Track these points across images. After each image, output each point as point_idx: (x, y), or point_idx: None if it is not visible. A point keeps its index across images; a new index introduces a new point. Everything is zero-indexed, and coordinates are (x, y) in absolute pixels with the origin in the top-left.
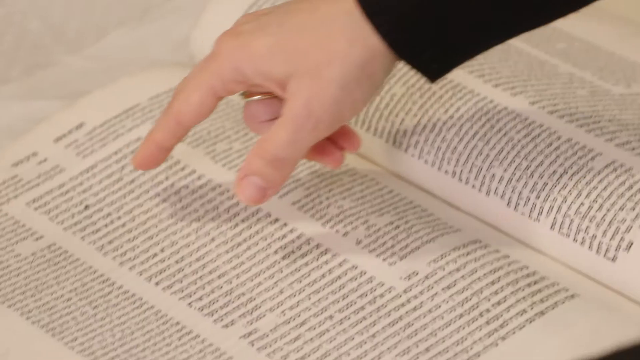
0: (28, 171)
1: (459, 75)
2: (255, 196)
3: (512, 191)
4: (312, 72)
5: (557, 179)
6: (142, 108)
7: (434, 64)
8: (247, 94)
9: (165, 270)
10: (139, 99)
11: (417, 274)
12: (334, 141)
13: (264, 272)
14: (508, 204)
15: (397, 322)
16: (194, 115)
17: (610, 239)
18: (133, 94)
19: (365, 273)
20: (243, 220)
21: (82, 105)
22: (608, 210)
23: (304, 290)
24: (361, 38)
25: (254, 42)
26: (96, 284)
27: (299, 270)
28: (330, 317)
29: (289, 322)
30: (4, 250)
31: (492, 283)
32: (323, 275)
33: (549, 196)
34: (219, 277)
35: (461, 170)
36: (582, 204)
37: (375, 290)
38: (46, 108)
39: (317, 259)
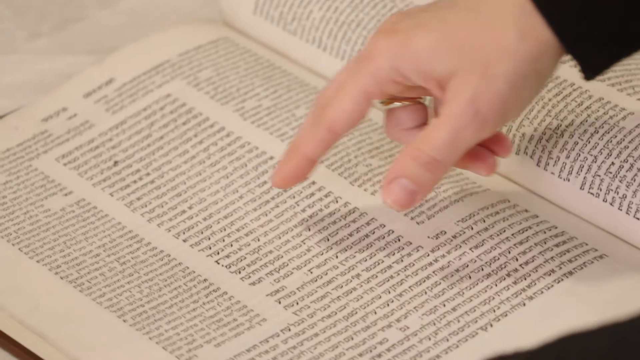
0: (58, 126)
1: None
2: (405, 200)
3: (542, 150)
4: (480, 69)
5: (588, 139)
6: (172, 64)
7: (599, 59)
8: (387, 102)
9: (193, 228)
10: (168, 55)
11: (445, 233)
12: (486, 146)
13: (292, 230)
14: (538, 163)
15: (424, 281)
16: (348, 123)
17: None
18: (163, 50)
19: (392, 232)
20: None
21: (112, 60)
22: (638, 170)
23: (331, 248)
24: (532, 32)
25: (415, 38)
26: (124, 240)
27: (327, 228)
28: (358, 275)
29: (315, 280)
30: (34, 205)
31: (520, 243)
32: (350, 234)
33: (579, 155)
34: (247, 234)
35: None
36: (612, 163)
37: (402, 249)
38: (76, 63)
39: (345, 218)
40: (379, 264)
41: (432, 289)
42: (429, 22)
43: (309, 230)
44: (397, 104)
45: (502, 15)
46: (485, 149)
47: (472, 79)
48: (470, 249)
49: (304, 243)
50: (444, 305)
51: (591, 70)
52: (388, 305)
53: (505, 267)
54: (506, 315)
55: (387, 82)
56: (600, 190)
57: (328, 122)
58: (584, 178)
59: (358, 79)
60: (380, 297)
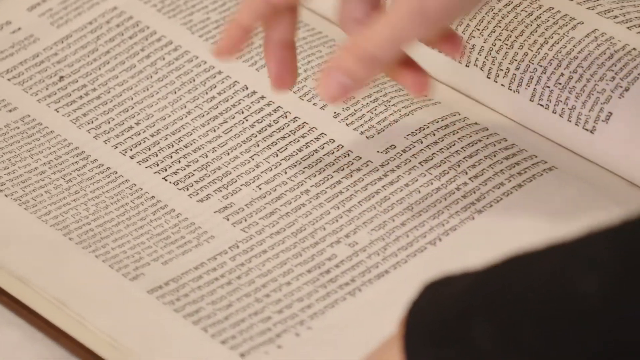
0: (1, 41)
1: None
2: (337, 93)
3: (492, 62)
4: None
5: (538, 49)
6: None
7: None
8: None
9: (140, 144)
10: None
11: (394, 147)
12: (437, 45)
13: (240, 145)
14: (488, 75)
15: (373, 196)
16: None
17: (590, 110)
18: None
19: (342, 147)
20: (219, 93)
21: None
22: (588, 80)
23: (280, 164)
24: None
25: None
26: (70, 157)
27: (276, 144)
28: (307, 191)
29: (264, 197)
30: None
31: (470, 156)
32: (299, 149)
33: (528, 67)
34: (195, 151)
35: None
36: (562, 74)
37: (352, 164)
38: None
39: (294, 133)
40: (328, 179)
41: (381, 204)
42: None
43: (258, 146)
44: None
45: None
46: (418, 68)
47: None
48: (420, 163)
49: (253, 159)
50: (393, 221)
51: None
52: (337, 221)
53: (454, 180)
54: (455, 229)
55: None
56: (550, 101)
57: None
58: (534, 89)
59: None
60: (329, 212)
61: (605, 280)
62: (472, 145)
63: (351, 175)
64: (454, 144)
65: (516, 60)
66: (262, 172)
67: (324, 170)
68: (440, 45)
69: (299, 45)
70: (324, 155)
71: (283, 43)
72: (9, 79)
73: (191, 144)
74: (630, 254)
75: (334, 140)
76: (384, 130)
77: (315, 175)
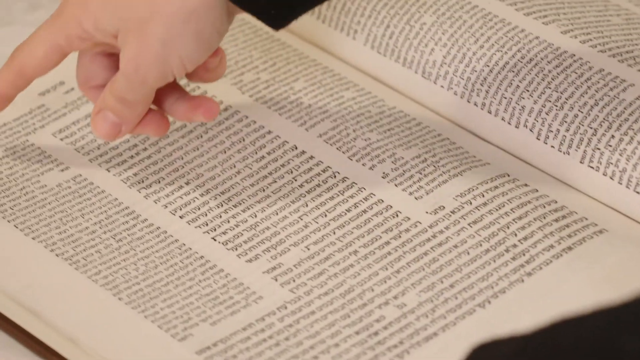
0: (55, 100)
1: (490, 3)
2: (109, 131)
3: (541, 123)
4: (137, 28)
5: (588, 111)
6: None
7: (272, 10)
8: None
9: (189, 204)
10: None
11: (443, 208)
12: (193, 102)
13: (289, 205)
14: (537, 136)
15: (422, 257)
16: (38, 68)
17: None
18: None
19: (391, 207)
20: (269, 153)
21: None
22: (639, 143)
23: (328, 224)
24: None
25: None
26: (121, 217)
27: (324, 204)
28: (355, 252)
29: (312, 257)
30: (30, 182)
31: (520, 218)
32: (348, 210)
33: (579, 128)
34: (244, 210)
35: (490, 102)
36: (612, 136)
37: (400, 224)
38: None
39: (343, 193)
40: (376, 240)
41: (429, 265)
42: None
43: (307, 206)
44: None
45: None
46: (159, 112)
47: (131, 38)
48: (469, 224)
49: (301, 219)
50: (442, 282)
51: (273, 23)
52: (385, 282)
53: (503, 242)
54: (504, 292)
55: (75, 38)
56: (600, 163)
57: (18, 65)
58: (584, 151)
59: (50, 32)
60: (377, 273)
61: None
62: (522, 207)
63: (400, 236)
64: (504, 205)
65: (566, 121)
66: (310, 233)
67: (373, 230)
68: (193, 113)
69: (348, 105)
70: (372, 216)
71: (4, 97)
72: (61, 139)
73: (240, 204)
74: None
75: (383, 201)
76: (433, 190)
77: (364, 236)
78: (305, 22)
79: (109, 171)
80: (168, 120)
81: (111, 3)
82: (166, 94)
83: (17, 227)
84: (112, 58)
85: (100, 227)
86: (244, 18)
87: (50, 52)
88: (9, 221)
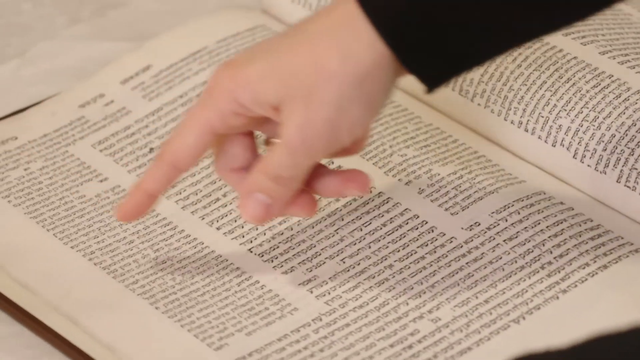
0: (94, 113)
1: None
2: (260, 214)
3: (578, 142)
4: (304, 95)
5: (625, 131)
6: (209, 51)
7: (435, 71)
8: (267, 142)
9: (227, 215)
10: (206, 42)
11: (478, 224)
12: (343, 177)
13: (325, 219)
14: (574, 155)
15: (456, 272)
16: (190, 157)
17: None
18: (200, 37)
19: (426, 223)
20: None
21: (150, 47)
22: None
23: (364, 238)
24: (356, 52)
25: (247, 69)
26: (158, 228)
27: (360, 218)
28: (390, 266)
29: (348, 270)
30: (69, 192)
31: (555, 235)
32: (384, 224)
33: (616, 148)
34: (280, 223)
35: (527, 120)
36: None
37: (436, 240)
38: (114, 49)
39: (379, 208)
40: (411, 254)
41: (464, 280)
42: (260, 52)
43: (342, 219)
44: (278, 140)
45: (324, 38)
46: (307, 191)
47: (298, 106)
48: (504, 240)
49: (337, 233)
50: (477, 297)
51: (431, 83)
52: (420, 296)
53: (539, 259)
54: (539, 308)
55: (229, 114)
56: (637, 183)
57: (170, 156)
58: (621, 171)
59: (200, 114)
60: (412, 288)
61: None
62: (557, 225)
63: (435, 251)
64: (539, 223)
65: (603, 141)
66: (346, 246)
67: (408, 245)
68: (345, 188)
69: (384, 121)
70: (408, 231)
71: (150, 194)
72: (100, 150)
73: (277, 217)
74: None
75: (418, 216)
76: (468, 207)
77: (399, 250)
78: None
79: None
80: (316, 199)
81: (272, 72)
82: (313, 170)
83: (56, 236)
84: (252, 138)
85: (138, 238)
86: None
87: (202, 136)
88: (48, 230)
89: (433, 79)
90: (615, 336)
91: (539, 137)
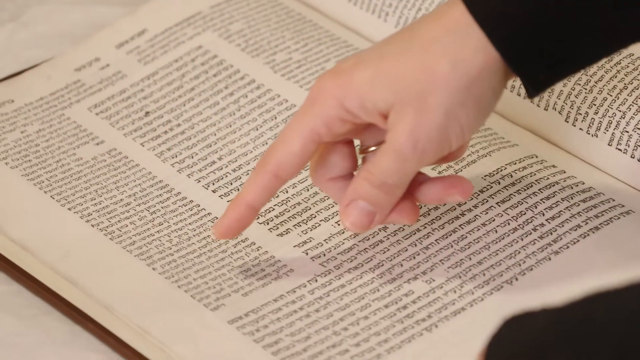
0: (90, 76)
1: None
2: (363, 222)
3: (570, 106)
4: (415, 101)
5: (617, 94)
6: (204, 16)
7: (543, 75)
8: (362, 149)
9: (222, 178)
10: (200, 7)
11: (472, 187)
12: (445, 183)
13: None
14: (566, 119)
15: (450, 234)
16: (294, 165)
17: None
18: (195, 2)
19: None
20: None
21: (145, 12)
22: None
23: None
24: (466, 57)
25: (355, 76)
26: (155, 190)
27: None
28: (385, 228)
29: (343, 232)
30: (66, 154)
31: (547, 198)
32: None
33: (607, 111)
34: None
35: (520, 85)
36: None
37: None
38: (110, 14)
39: None
40: None
41: (458, 242)
42: (367, 59)
43: None
44: (372, 148)
45: (434, 44)
46: (408, 198)
47: (409, 111)
48: (497, 203)
49: None
50: (470, 259)
51: (536, 88)
52: (414, 257)
53: (531, 221)
54: (531, 269)
55: (335, 121)
56: (628, 146)
57: (273, 165)
58: (612, 134)
59: (305, 121)
60: (406, 249)
61: None
62: (550, 188)
63: (428, 214)
64: (531, 186)
65: (595, 104)
66: None
67: None
68: (447, 194)
69: None
70: None
71: (252, 207)
72: (97, 114)
73: None
74: None
75: None
76: (462, 170)
77: None
78: (337, 3)
79: (143, 145)
80: (417, 206)
81: (381, 78)
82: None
83: (53, 198)
84: (352, 146)
85: (134, 200)
86: None
87: (307, 144)
88: (45, 192)
89: (540, 83)
90: (613, 292)
91: (531, 101)
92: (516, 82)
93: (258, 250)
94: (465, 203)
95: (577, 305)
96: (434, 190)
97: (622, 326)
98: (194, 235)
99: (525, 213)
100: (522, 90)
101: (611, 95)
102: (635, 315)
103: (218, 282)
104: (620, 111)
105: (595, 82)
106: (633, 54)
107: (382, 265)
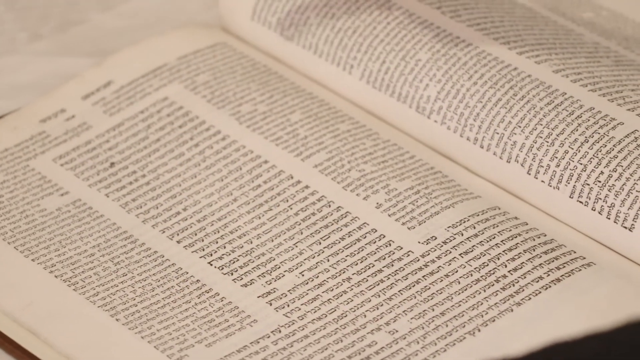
0: (55, 127)
1: (483, 41)
2: None
3: (532, 159)
4: None
5: (578, 148)
6: (170, 68)
7: None
8: None
9: (187, 229)
10: (167, 58)
11: (435, 238)
12: None
13: (284, 233)
14: (528, 171)
15: (413, 285)
16: None
17: (629, 208)
18: (161, 54)
19: (384, 236)
20: (265, 182)
21: (111, 63)
22: (627, 179)
23: (323, 252)
24: None
25: None
26: (119, 241)
27: (319, 232)
28: (348, 279)
29: (307, 283)
30: (30, 205)
31: (510, 250)
32: (342, 238)
33: (569, 164)
34: (240, 237)
35: (483, 137)
36: (601, 172)
37: (393, 253)
38: (76, 65)
39: (337, 222)
40: (369, 267)
41: (421, 293)
42: None
43: (301, 233)
44: None
45: None
46: None
47: None
48: (460, 254)
49: (296, 246)
50: (433, 310)
51: None
52: (377, 308)
53: (494, 273)
54: (494, 320)
55: None
56: (589, 199)
57: None
58: (574, 187)
59: None
60: (370, 300)
61: None
62: (512, 239)
63: (392, 265)
64: (494, 237)
65: (557, 157)
66: (305, 259)
67: (366, 259)
68: None
69: (343, 137)
70: (365, 244)
71: None
72: (61, 164)
73: (236, 230)
74: None
75: (376, 230)
76: (425, 221)
77: (357, 264)
78: (303, 56)
79: (107, 196)
80: None
81: None
82: None
83: (17, 249)
84: None
85: (98, 251)
86: (243, 51)
87: None
88: (9, 243)
89: None
90: (572, 343)
91: (494, 154)
92: (479, 135)
93: (222, 300)
94: (429, 254)
95: (537, 356)
96: None
97: None
98: (158, 286)
99: (487, 264)
100: (485, 142)
101: (572, 149)
102: None
103: (181, 333)
104: (581, 164)
105: (557, 135)
106: (594, 108)
107: (346, 315)
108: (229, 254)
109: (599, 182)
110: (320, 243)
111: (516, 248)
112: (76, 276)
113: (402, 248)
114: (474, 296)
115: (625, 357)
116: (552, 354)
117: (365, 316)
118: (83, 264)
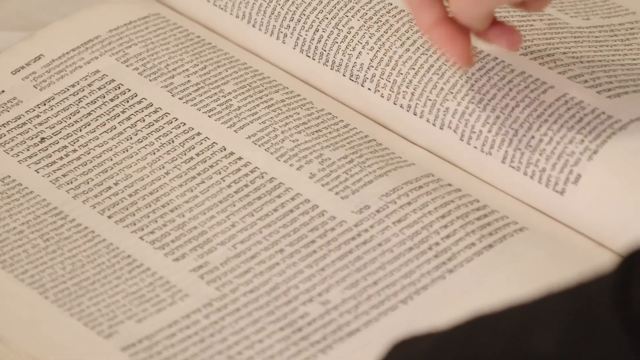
0: None
1: None
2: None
3: (465, 125)
4: None
5: (509, 112)
6: (101, 40)
7: None
8: None
9: (118, 204)
10: (98, 31)
11: (368, 207)
12: (494, 36)
13: (217, 205)
14: (461, 137)
15: (346, 255)
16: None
17: (559, 172)
18: (92, 26)
19: (317, 207)
20: (198, 154)
21: (41, 36)
22: (558, 143)
23: (255, 224)
24: None
25: None
26: (49, 217)
27: (252, 204)
28: (281, 250)
29: (239, 256)
30: None
31: (442, 217)
32: (275, 209)
33: (500, 129)
34: (172, 210)
35: (416, 104)
36: (532, 137)
37: (326, 224)
38: (5, 39)
39: (270, 193)
40: (302, 238)
41: (354, 263)
42: None
43: (234, 205)
44: None
45: None
46: (507, 27)
47: None
48: (393, 223)
49: (229, 219)
50: (365, 279)
51: None
52: (310, 279)
53: (426, 240)
54: (426, 288)
55: None
56: (521, 163)
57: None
58: (506, 151)
59: None
60: (302, 271)
61: (562, 340)
62: (445, 206)
63: (325, 235)
64: (427, 205)
65: (488, 123)
66: (237, 232)
67: (299, 229)
68: (496, 39)
69: (276, 107)
70: (298, 215)
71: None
72: None
73: (168, 204)
74: (586, 313)
75: (309, 201)
76: (358, 190)
77: (290, 235)
78: (236, 26)
79: (37, 172)
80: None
81: None
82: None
83: None
84: None
85: (28, 228)
86: (176, 22)
87: None
88: None
89: None
90: (493, 315)
91: (427, 120)
92: (412, 102)
93: (153, 275)
94: (362, 223)
95: (461, 329)
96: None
97: (503, 348)
98: (88, 262)
99: (420, 232)
100: (419, 109)
101: (503, 114)
102: (514, 338)
103: (112, 310)
104: (512, 129)
105: (488, 100)
106: (525, 72)
107: (278, 287)
108: (161, 228)
109: (530, 146)
110: (253, 215)
111: (449, 215)
112: (4, 254)
113: (335, 218)
114: (407, 264)
115: (545, 329)
116: (476, 326)
117: (297, 287)
118: (12, 242)
